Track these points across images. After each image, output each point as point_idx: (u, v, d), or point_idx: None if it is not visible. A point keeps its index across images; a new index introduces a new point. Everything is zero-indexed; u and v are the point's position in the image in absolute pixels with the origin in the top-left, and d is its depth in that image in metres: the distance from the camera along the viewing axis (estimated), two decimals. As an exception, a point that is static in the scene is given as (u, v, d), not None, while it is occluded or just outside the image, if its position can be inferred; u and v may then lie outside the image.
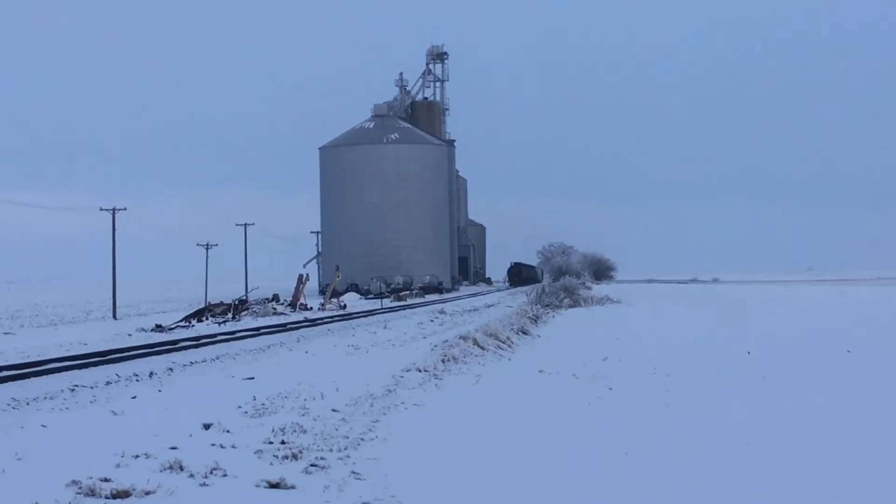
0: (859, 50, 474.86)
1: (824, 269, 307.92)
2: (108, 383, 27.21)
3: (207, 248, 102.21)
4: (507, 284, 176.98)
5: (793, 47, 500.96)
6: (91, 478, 14.20)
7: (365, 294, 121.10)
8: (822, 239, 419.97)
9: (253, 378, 28.24)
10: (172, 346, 39.14)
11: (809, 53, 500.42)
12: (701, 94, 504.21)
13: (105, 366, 31.78)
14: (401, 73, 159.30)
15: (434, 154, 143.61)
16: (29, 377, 28.25)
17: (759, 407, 24.67)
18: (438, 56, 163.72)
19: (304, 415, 21.05)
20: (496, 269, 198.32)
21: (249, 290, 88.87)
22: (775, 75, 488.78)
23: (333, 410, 21.78)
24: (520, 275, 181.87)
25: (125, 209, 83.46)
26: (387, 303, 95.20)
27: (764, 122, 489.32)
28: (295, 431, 18.95)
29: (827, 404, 25.39)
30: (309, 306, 78.90)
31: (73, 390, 25.60)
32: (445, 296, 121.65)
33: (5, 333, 56.69)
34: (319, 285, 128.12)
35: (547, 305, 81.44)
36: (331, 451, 17.42)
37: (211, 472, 15.17)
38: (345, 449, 17.65)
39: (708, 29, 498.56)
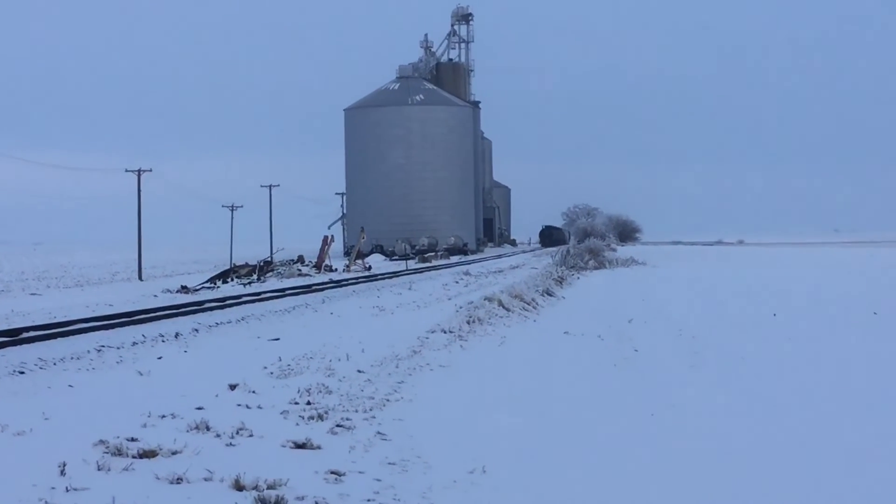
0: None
1: (851, 231, 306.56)
2: (134, 344, 27.29)
3: (233, 210, 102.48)
4: (539, 246, 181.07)
5: (822, 8, 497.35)
6: (118, 437, 14.24)
7: (390, 255, 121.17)
8: (849, 201, 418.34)
9: (278, 339, 28.29)
10: (198, 307, 39.20)
11: (837, 13, 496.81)
12: (726, 55, 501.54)
13: (131, 326, 31.85)
14: (426, 35, 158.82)
15: (459, 116, 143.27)
16: (55, 338, 28.33)
17: (784, 368, 24.60)
18: (464, 17, 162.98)
19: (329, 376, 21.06)
20: (521, 230, 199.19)
21: (274, 251, 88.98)
22: (803, 36, 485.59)
23: (359, 371, 21.80)
24: (550, 237, 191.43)
25: (150, 171, 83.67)
26: (412, 264, 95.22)
27: (789, 82, 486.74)
28: (320, 392, 18.96)
29: (853, 365, 25.31)
30: (334, 268, 79.01)
31: (99, 351, 25.68)
32: (470, 257, 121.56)
33: (32, 294, 56.98)
34: (344, 247, 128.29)
35: (572, 267, 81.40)
36: (356, 411, 17.43)
37: (237, 433, 15.19)
38: (370, 410, 17.65)
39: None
